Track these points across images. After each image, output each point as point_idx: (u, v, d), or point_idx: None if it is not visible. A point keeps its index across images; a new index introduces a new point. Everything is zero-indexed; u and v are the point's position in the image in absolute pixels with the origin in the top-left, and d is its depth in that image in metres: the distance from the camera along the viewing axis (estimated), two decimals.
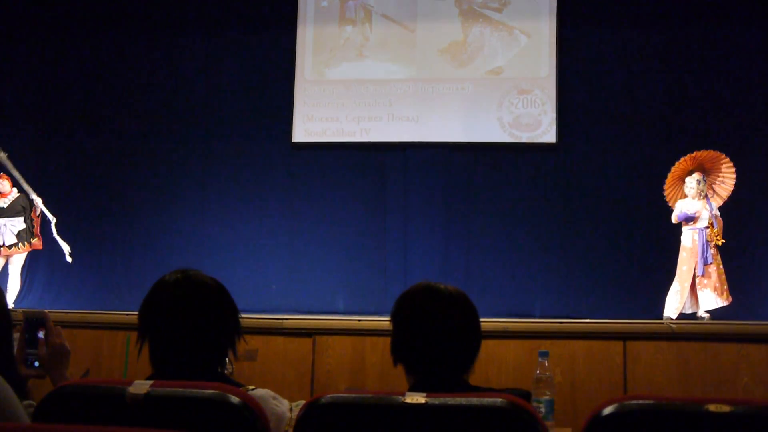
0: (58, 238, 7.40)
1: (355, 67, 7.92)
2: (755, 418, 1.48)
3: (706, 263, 6.02)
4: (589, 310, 6.75)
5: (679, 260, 6.16)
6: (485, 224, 7.54)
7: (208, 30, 8.12)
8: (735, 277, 6.36)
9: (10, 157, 7.29)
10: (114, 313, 5.92)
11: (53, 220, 7.43)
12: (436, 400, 1.61)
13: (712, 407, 1.48)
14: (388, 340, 2.09)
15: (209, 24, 8.13)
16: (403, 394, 1.63)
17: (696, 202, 6.14)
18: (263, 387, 2.03)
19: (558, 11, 7.66)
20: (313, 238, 7.70)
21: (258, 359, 5.28)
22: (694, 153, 6.16)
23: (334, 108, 7.85)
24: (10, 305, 6.05)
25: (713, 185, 6.23)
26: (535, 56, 7.70)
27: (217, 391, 1.60)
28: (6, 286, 7.07)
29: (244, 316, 2.11)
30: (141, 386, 1.62)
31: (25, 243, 7.22)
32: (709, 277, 6.02)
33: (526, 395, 2.26)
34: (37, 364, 2.19)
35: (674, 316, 5.98)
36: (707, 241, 6.04)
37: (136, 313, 2.05)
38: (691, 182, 6.15)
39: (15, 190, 7.34)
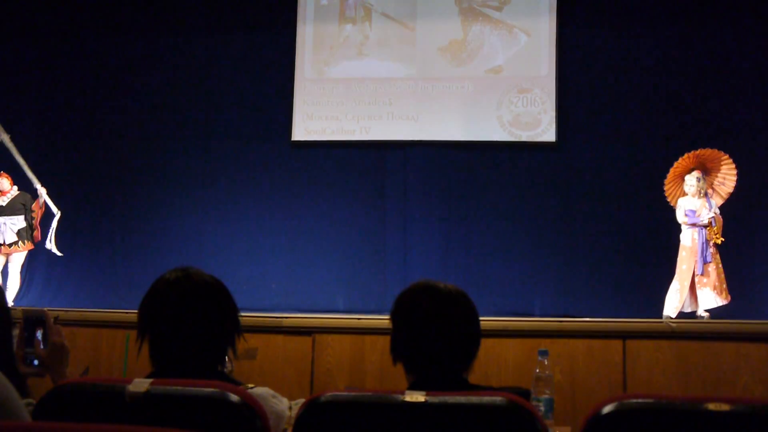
0: (52, 245, 7.35)
1: (354, 66, 7.92)
2: (755, 417, 1.48)
3: (705, 262, 6.02)
4: (589, 308, 6.75)
5: (678, 259, 6.16)
6: (485, 223, 7.54)
7: (208, 29, 8.12)
8: (735, 276, 6.36)
9: (13, 141, 7.21)
10: (113, 312, 5.92)
11: (57, 214, 7.39)
12: (436, 399, 1.61)
13: (711, 406, 1.48)
14: (387, 338, 2.09)
15: (209, 23, 8.12)
16: (403, 393, 1.63)
17: (696, 201, 6.14)
18: (263, 385, 2.03)
19: (558, 10, 7.66)
20: (312, 237, 7.70)
21: (258, 358, 5.29)
22: (698, 150, 6.16)
23: (334, 106, 7.85)
24: (10, 303, 6.05)
25: (713, 184, 6.23)
26: (534, 55, 7.69)
27: (216, 390, 1.60)
28: (6, 285, 7.07)
29: (243, 314, 2.11)
30: (140, 384, 1.62)
31: (25, 241, 7.22)
32: (709, 276, 6.02)
33: (526, 394, 2.26)
34: (36, 362, 2.19)
35: (674, 315, 5.99)
36: (706, 240, 6.04)
37: (136, 311, 2.05)
38: (691, 180, 6.15)
39: (15, 188, 7.33)
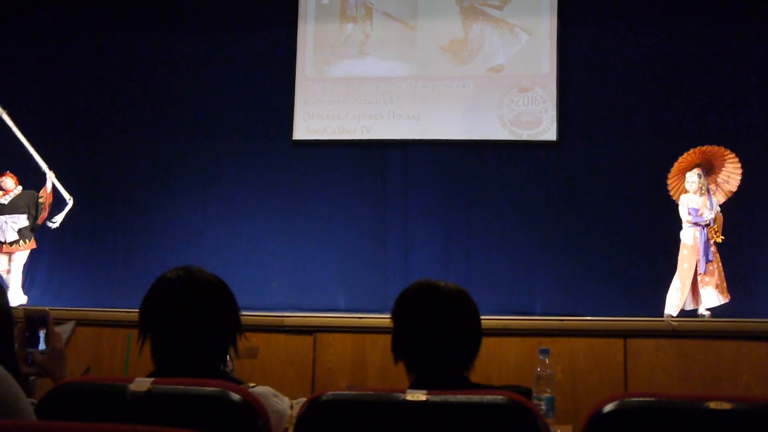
0: (54, 223, 7.27)
1: (355, 65, 7.92)
2: (756, 415, 1.48)
3: (708, 261, 6.02)
4: (590, 307, 6.74)
5: (679, 257, 6.16)
6: (486, 222, 7.54)
7: (209, 28, 8.11)
8: (736, 275, 6.37)
9: (13, 118, 7.12)
10: (115, 311, 5.93)
11: (70, 201, 7.31)
12: (437, 398, 1.61)
13: (712, 405, 1.48)
14: (388, 337, 2.09)
15: (210, 22, 8.12)
16: (404, 392, 1.63)
17: (698, 199, 6.14)
18: (264, 384, 2.03)
19: (558, 8, 7.65)
20: (313, 236, 7.70)
21: (259, 357, 5.29)
22: (704, 147, 6.16)
23: (335, 106, 7.85)
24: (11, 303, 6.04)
25: (717, 180, 6.22)
26: (535, 54, 7.69)
27: (218, 389, 1.60)
28: (8, 284, 7.06)
29: (245, 313, 2.11)
30: (142, 384, 1.62)
31: (27, 240, 7.21)
32: (712, 274, 6.02)
33: (527, 393, 2.26)
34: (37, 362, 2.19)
35: (675, 314, 5.98)
36: (708, 238, 6.04)
37: (137, 310, 2.04)
38: (692, 177, 6.15)
39: (20, 187, 7.32)
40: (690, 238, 6.12)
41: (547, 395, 2.36)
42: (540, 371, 2.39)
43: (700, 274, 6.02)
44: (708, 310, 6.00)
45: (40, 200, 7.24)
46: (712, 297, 5.98)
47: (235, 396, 1.59)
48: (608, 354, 5.14)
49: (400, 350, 2.08)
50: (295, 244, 7.72)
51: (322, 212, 7.71)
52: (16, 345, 2.17)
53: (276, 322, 5.49)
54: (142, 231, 7.90)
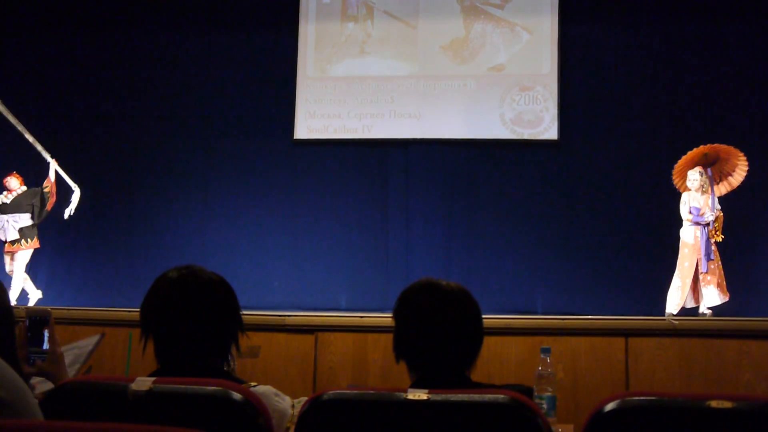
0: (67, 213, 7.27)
1: (357, 64, 7.92)
2: (757, 414, 1.48)
3: (709, 260, 6.02)
4: (591, 306, 6.75)
5: (680, 256, 6.16)
6: (487, 221, 7.54)
7: (210, 27, 8.12)
8: (737, 274, 6.36)
9: (11, 109, 7.11)
10: (116, 310, 5.93)
11: (77, 190, 7.32)
12: (439, 397, 1.61)
13: (713, 403, 1.48)
14: (390, 336, 2.09)
15: (211, 21, 8.13)
16: (406, 391, 1.63)
17: (700, 197, 6.15)
18: (265, 384, 2.03)
19: (560, 8, 7.66)
20: (315, 235, 7.70)
21: (260, 356, 5.29)
22: (714, 144, 6.17)
23: (336, 105, 7.86)
24: (13, 302, 6.06)
25: (723, 172, 6.22)
26: (536, 53, 7.69)
27: (219, 388, 1.60)
28: (10, 283, 7.06)
29: (246, 312, 2.11)
30: (143, 383, 1.62)
31: (29, 240, 7.21)
32: (713, 273, 6.03)
33: (528, 392, 2.26)
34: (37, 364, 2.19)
35: (676, 313, 5.98)
36: (708, 237, 6.04)
37: (139, 309, 2.04)
38: (694, 175, 6.16)
39: (24, 187, 7.32)
40: (690, 236, 6.12)
41: (549, 394, 2.36)
42: (541, 370, 2.39)
43: (701, 273, 6.02)
44: (709, 308, 6.00)
45: (45, 190, 7.25)
46: (713, 296, 5.99)
47: (237, 395, 1.59)
48: (609, 353, 5.13)
49: (401, 349, 2.07)
50: (296, 243, 7.72)
51: (323, 211, 7.72)
52: (17, 345, 2.16)
53: (277, 321, 5.49)
54: (144, 230, 7.91)
